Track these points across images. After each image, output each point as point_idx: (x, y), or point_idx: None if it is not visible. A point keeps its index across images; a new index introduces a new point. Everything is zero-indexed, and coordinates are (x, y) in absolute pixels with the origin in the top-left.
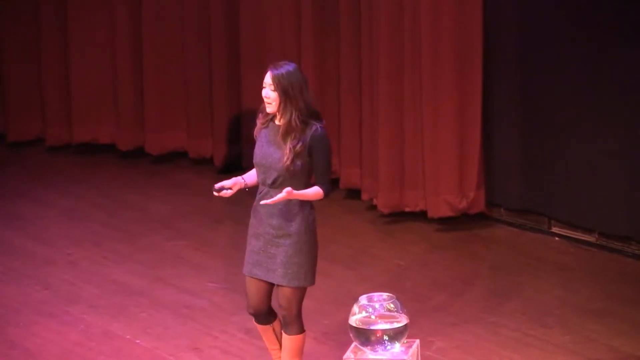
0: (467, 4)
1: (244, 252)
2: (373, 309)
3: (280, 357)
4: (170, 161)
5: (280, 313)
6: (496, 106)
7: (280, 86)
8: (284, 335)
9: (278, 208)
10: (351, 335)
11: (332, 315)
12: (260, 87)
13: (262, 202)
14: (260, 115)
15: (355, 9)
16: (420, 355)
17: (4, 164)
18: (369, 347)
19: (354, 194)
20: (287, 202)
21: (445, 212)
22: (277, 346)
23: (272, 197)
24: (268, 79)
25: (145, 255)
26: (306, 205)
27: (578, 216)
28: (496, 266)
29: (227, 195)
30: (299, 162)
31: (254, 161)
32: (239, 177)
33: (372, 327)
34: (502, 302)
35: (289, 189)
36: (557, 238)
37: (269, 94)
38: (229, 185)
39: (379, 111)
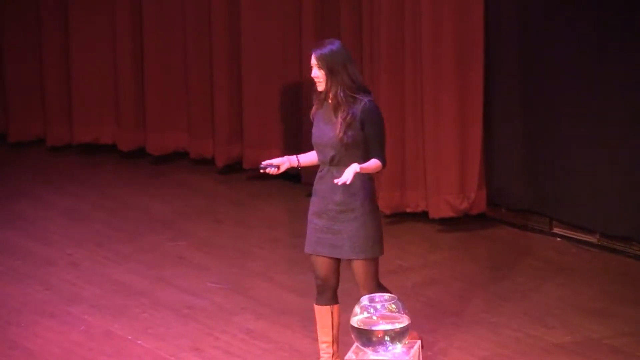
0: (468, 4)
1: (244, 253)
2: (374, 309)
3: (330, 354)
4: (171, 161)
5: (362, 294)
6: (497, 106)
7: (325, 64)
8: None
9: (338, 185)
10: (353, 335)
11: None
12: (261, 86)
13: (336, 181)
14: (314, 96)
15: (356, 8)
16: (422, 355)
17: (5, 164)
18: (370, 348)
19: None
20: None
21: (447, 212)
22: (330, 339)
23: (332, 174)
24: (313, 59)
25: (146, 255)
26: (366, 178)
27: (579, 217)
28: (497, 267)
29: (273, 173)
30: (350, 133)
31: (312, 141)
32: (293, 156)
33: (373, 328)
34: (504, 303)
35: (355, 165)
36: (558, 239)
37: (317, 73)
38: (277, 163)
39: None
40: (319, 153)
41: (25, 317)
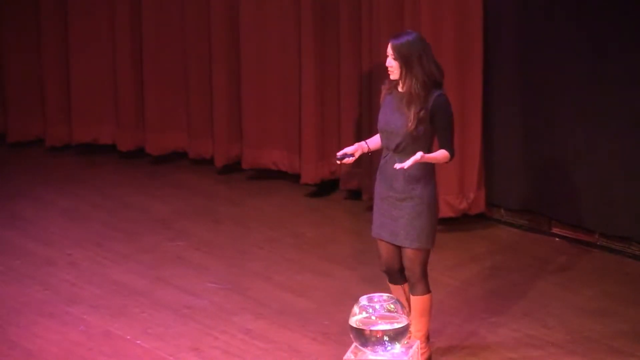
0: (468, 4)
1: (244, 253)
2: (373, 309)
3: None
4: (171, 161)
5: (406, 274)
6: (496, 107)
7: (400, 55)
8: (411, 297)
9: (402, 172)
10: (351, 335)
11: (333, 316)
12: (261, 86)
13: (396, 166)
14: (385, 82)
15: (356, 8)
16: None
17: (5, 164)
18: (369, 348)
19: (355, 194)
20: (412, 166)
21: (446, 212)
22: (407, 309)
23: (395, 161)
24: (389, 48)
25: (145, 255)
26: (429, 170)
27: (578, 217)
28: (497, 267)
29: (350, 162)
30: (421, 128)
31: (378, 127)
32: (362, 142)
33: (372, 328)
34: (503, 303)
35: (420, 152)
36: (557, 239)
37: (391, 63)
38: (352, 152)
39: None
40: (383, 139)
41: (24, 317)
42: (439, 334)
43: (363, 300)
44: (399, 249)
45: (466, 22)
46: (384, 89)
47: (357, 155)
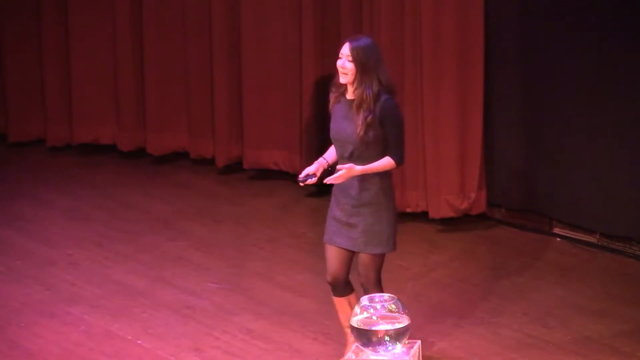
0: (468, 4)
1: (244, 253)
2: (374, 309)
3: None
4: (171, 161)
5: (359, 281)
6: (497, 107)
7: (358, 58)
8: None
9: (357, 179)
10: (352, 335)
11: (334, 316)
12: (262, 86)
13: (326, 181)
14: (332, 89)
15: (356, 8)
16: (422, 356)
17: (5, 165)
18: (370, 348)
19: None
20: (366, 173)
21: (447, 212)
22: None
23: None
24: (346, 49)
25: (146, 255)
26: (385, 174)
27: (579, 217)
28: (497, 267)
29: (313, 182)
30: (371, 133)
31: (330, 136)
32: (321, 159)
33: (373, 328)
34: (503, 303)
35: (348, 165)
36: (558, 239)
37: (346, 65)
38: (313, 171)
39: None
40: (337, 147)
41: (25, 317)
42: (439, 334)
43: (364, 300)
44: (350, 257)
45: (467, 22)
46: (332, 97)
47: (318, 174)
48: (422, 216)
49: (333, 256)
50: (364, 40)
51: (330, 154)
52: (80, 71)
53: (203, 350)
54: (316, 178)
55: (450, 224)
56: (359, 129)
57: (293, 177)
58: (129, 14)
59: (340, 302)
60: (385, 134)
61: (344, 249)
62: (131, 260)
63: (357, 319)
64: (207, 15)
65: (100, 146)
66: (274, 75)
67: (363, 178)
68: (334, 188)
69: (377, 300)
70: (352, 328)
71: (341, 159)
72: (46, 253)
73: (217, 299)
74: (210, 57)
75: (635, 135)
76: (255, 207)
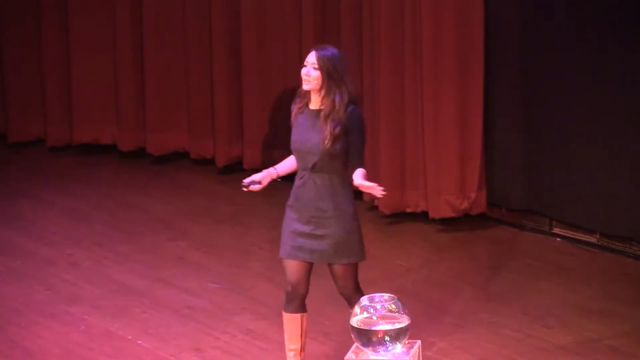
0: (469, 4)
1: (244, 253)
2: (374, 309)
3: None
4: (171, 161)
5: (340, 292)
6: (498, 106)
7: (324, 67)
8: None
9: (323, 191)
10: (352, 336)
11: (333, 316)
12: (262, 86)
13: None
14: (297, 100)
15: (356, 8)
16: (422, 356)
17: (5, 165)
18: (370, 348)
19: (355, 194)
20: (331, 184)
21: (447, 212)
22: (298, 346)
23: (314, 181)
24: (312, 57)
25: (146, 255)
26: (348, 185)
27: (579, 217)
28: (497, 267)
29: (256, 190)
30: (338, 145)
31: (292, 147)
32: (271, 169)
33: (373, 328)
34: (504, 303)
35: (360, 182)
36: (558, 239)
37: (311, 73)
38: (259, 179)
39: (379, 111)
40: (299, 159)
41: (25, 317)
42: (439, 334)
43: (364, 300)
44: (310, 268)
45: (467, 22)
46: (295, 107)
47: (264, 183)
48: (422, 216)
49: (295, 269)
50: (331, 50)
51: (283, 165)
52: (80, 71)
53: (203, 350)
54: (260, 186)
55: (450, 224)
56: (326, 140)
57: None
58: (129, 14)
59: (292, 319)
60: (350, 143)
61: (306, 262)
62: (131, 260)
63: (357, 319)
64: (207, 16)
65: (100, 146)
66: (274, 75)
67: (331, 189)
68: (292, 202)
69: (377, 300)
70: (352, 328)
71: (302, 170)
72: (46, 253)
73: (217, 299)
74: (210, 57)
75: (636, 135)
76: (255, 207)
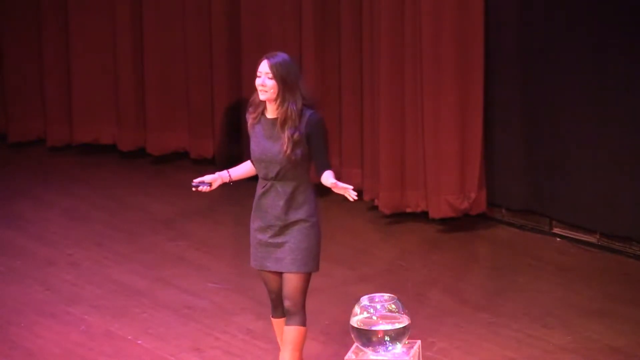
0: (469, 4)
1: (245, 253)
2: (374, 309)
3: None
4: (172, 161)
5: (285, 304)
6: (498, 106)
7: (279, 75)
8: (286, 327)
9: (285, 199)
10: (352, 336)
11: (333, 316)
12: None
13: (332, 185)
14: (250, 110)
15: (357, 8)
16: (422, 355)
17: (5, 165)
18: (370, 348)
19: (358, 194)
20: (294, 192)
21: (447, 212)
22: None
23: (276, 189)
24: (265, 67)
25: (146, 255)
26: (311, 192)
27: (579, 217)
28: (497, 267)
29: (204, 191)
30: (298, 151)
31: (252, 157)
32: (224, 172)
33: (373, 328)
34: (504, 303)
35: (333, 181)
36: (558, 239)
37: (266, 82)
38: (210, 181)
39: (379, 111)
40: (261, 168)
41: (25, 317)
42: (439, 334)
43: (364, 300)
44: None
45: (467, 23)
46: (250, 117)
47: (215, 185)
48: (422, 216)
49: (270, 278)
50: (282, 56)
51: (238, 171)
52: (80, 71)
53: (203, 350)
54: (209, 188)
55: (450, 224)
56: (285, 147)
57: None
58: (129, 13)
59: (280, 324)
60: (313, 149)
61: (275, 271)
62: (131, 260)
63: (357, 319)
64: (207, 15)
65: (100, 146)
66: None
67: (292, 197)
68: (255, 211)
69: (377, 300)
70: (352, 328)
71: (265, 179)
72: (46, 253)
73: (217, 299)
74: (210, 57)
75: (636, 135)
76: None
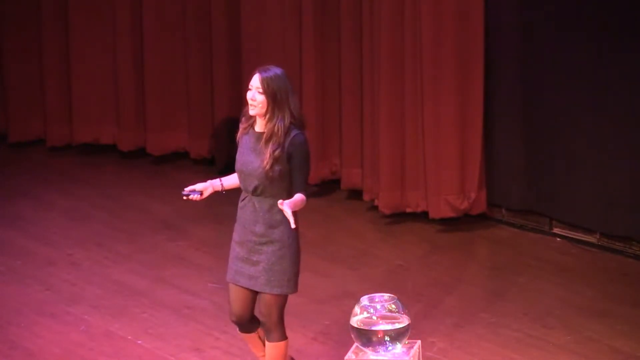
0: (469, 5)
1: None
2: (374, 309)
3: None
4: (171, 161)
5: (261, 320)
6: (498, 106)
7: (269, 90)
8: (267, 343)
9: (261, 215)
10: (352, 335)
11: (333, 316)
12: None
13: (280, 203)
14: (243, 120)
15: (357, 8)
16: (422, 356)
17: (5, 165)
18: (370, 348)
19: (355, 194)
20: (271, 209)
21: (447, 212)
22: (264, 352)
23: (254, 204)
24: (256, 81)
25: (146, 255)
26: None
27: (579, 217)
28: (497, 267)
29: (195, 199)
30: (277, 168)
31: (235, 168)
32: (216, 180)
33: (373, 328)
34: (504, 303)
35: (281, 201)
36: (558, 239)
37: (256, 97)
38: (201, 189)
39: (380, 111)
40: (241, 180)
41: (25, 317)
42: (439, 334)
43: (364, 300)
44: (254, 295)
45: (467, 22)
46: (241, 127)
47: (206, 194)
48: (422, 216)
49: (236, 296)
50: (274, 71)
51: (231, 179)
52: (80, 71)
53: (203, 350)
54: (201, 197)
55: (450, 224)
56: (265, 162)
57: None
58: (129, 14)
59: (250, 338)
60: (292, 169)
61: (247, 288)
62: (131, 260)
63: (357, 319)
64: (208, 16)
65: (100, 146)
66: None
67: (270, 215)
68: (236, 225)
69: (377, 300)
70: (352, 328)
71: (244, 192)
72: (46, 253)
73: (217, 299)
74: (210, 57)
75: (636, 135)
76: None
